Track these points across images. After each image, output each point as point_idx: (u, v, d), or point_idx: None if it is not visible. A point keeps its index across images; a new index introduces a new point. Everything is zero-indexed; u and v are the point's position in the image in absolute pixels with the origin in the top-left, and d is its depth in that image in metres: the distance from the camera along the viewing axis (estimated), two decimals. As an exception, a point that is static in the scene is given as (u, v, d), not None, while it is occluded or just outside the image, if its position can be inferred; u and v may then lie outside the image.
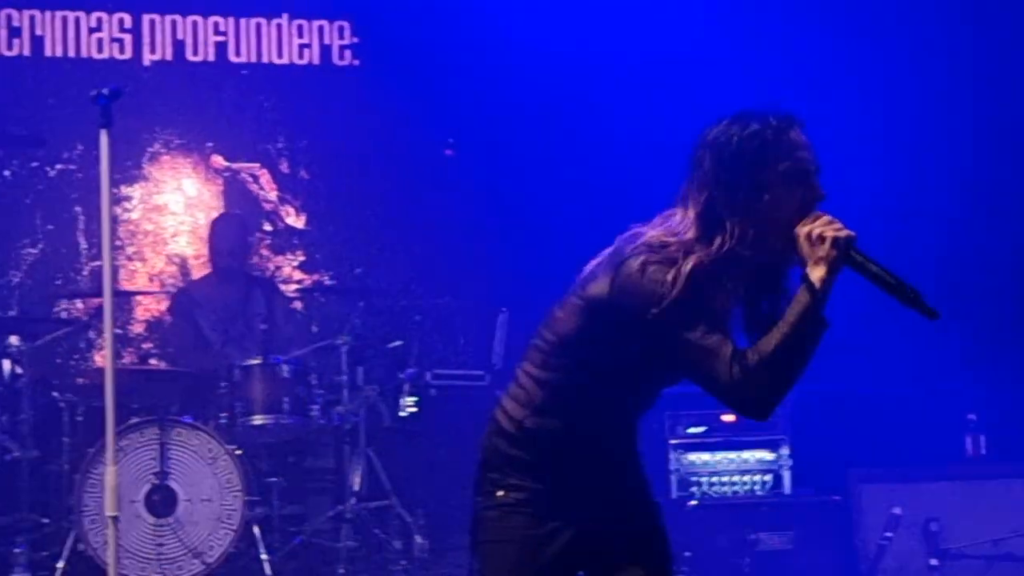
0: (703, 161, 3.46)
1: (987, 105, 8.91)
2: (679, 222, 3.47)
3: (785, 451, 7.80)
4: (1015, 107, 8.90)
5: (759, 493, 7.76)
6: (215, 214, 8.67)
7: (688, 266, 3.37)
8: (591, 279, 3.51)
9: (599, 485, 3.60)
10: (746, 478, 7.80)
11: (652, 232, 3.47)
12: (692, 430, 7.81)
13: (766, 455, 7.82)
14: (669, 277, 3.36)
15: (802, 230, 3.38)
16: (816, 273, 3.35)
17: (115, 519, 5.27)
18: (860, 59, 8.88)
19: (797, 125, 3.46)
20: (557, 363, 3.57)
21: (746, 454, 7.81)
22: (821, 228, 3.36)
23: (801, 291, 3.38)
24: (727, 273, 3.44)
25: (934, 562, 7.45)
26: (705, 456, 7.79)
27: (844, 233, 3.35)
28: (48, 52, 8.71)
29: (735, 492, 7.77)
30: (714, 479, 7.75)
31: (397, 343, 7.90)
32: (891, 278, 3.37)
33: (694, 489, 7.72)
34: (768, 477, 7.80)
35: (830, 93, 8.59)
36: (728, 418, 7.86)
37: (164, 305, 8.54)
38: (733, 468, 7.79)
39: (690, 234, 3.44)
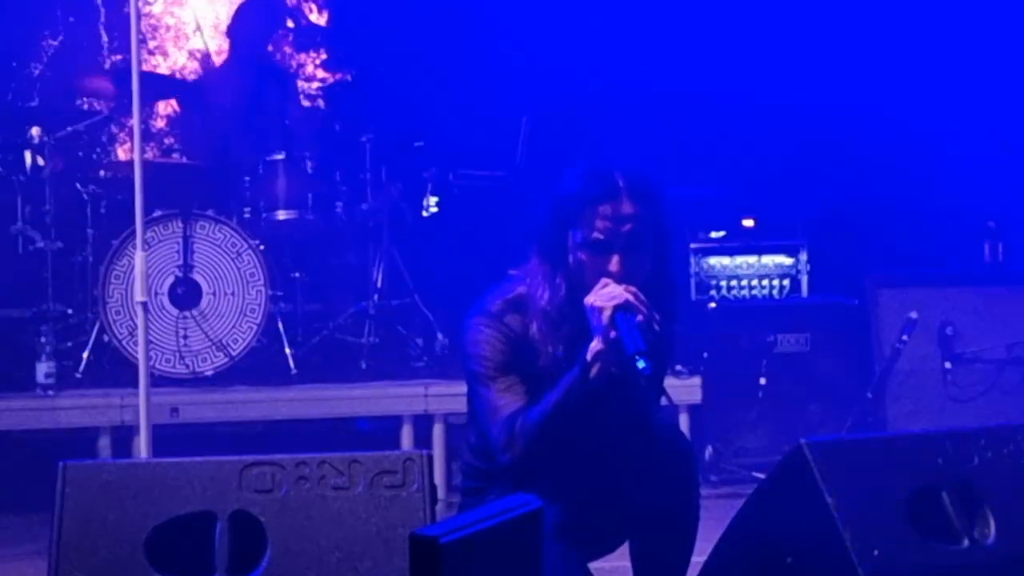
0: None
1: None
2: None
3: (803, 256, 7.84)
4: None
5: (777, 297, 7.82)
6: (236, 6, 8.58)
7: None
8: None
9: None
10: (764, 282, 7.84)
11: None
12: (712, 234, 7.85)
13: (785, 260, 7.86)
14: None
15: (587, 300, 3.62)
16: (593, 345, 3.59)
17: (144, 305, 5.29)
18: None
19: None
20: None
21: (765, 259, 7.85)
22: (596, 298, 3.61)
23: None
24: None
25: (948, 365, 7.54)
26: (725, 260, 7.83)
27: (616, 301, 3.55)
28: None
29: (753, 295, 7.83)
30: (733, 282, 7.80)
31: (420, 143, 7.88)
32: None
33: (713, 292, 7.78)
34: (786, 281, 7.85)
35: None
36: (748, 223, 7.89)
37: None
38: (752, 272, 7.84)
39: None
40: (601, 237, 3.66)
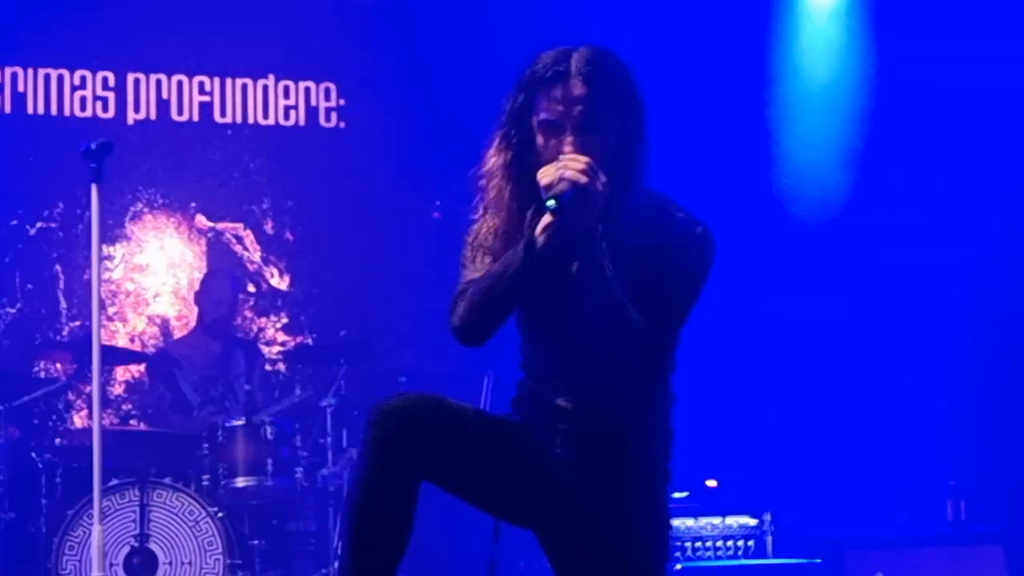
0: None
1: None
2: None
3: (768, 516, 7.79)
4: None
5: (742, 558, 7.74)
6: (198, 275, 8.65)
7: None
8: None
9: None
10: (729, 543, 7.77)
11: None
12: (676, 495, 7.80)
13: (749, 520, 7.80)
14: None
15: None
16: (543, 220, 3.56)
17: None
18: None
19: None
20: None
21: (730, 519, 7.79)
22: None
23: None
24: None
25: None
26: (689, 521, 7.76)
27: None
28: (30, 110, 8.66)
29: (719, 556, 7.74)
30: (698, 544, 7.72)
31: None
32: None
33: (678, 554, 7.69)
34: (751, 542, 7.77)
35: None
36: (711, 483, 7.86)
37: (144, 366, 8.47)
38: (716, 533, 7.77)
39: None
40: (551, 118, 3.62)
